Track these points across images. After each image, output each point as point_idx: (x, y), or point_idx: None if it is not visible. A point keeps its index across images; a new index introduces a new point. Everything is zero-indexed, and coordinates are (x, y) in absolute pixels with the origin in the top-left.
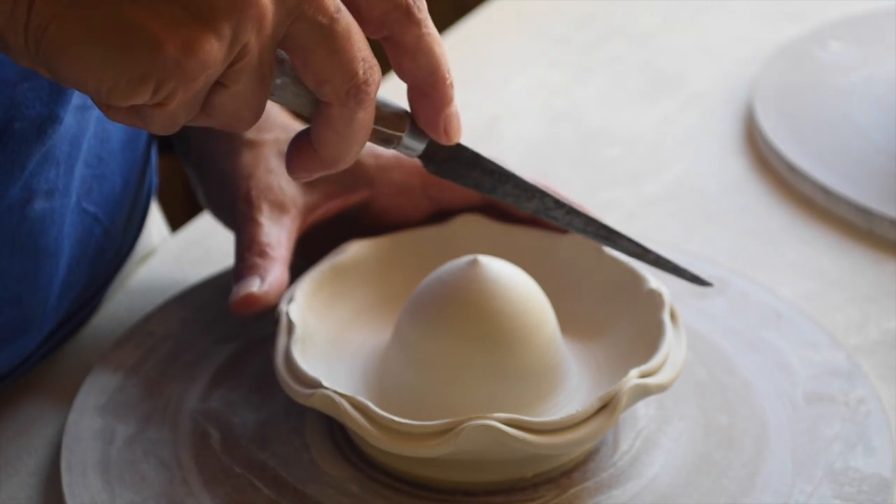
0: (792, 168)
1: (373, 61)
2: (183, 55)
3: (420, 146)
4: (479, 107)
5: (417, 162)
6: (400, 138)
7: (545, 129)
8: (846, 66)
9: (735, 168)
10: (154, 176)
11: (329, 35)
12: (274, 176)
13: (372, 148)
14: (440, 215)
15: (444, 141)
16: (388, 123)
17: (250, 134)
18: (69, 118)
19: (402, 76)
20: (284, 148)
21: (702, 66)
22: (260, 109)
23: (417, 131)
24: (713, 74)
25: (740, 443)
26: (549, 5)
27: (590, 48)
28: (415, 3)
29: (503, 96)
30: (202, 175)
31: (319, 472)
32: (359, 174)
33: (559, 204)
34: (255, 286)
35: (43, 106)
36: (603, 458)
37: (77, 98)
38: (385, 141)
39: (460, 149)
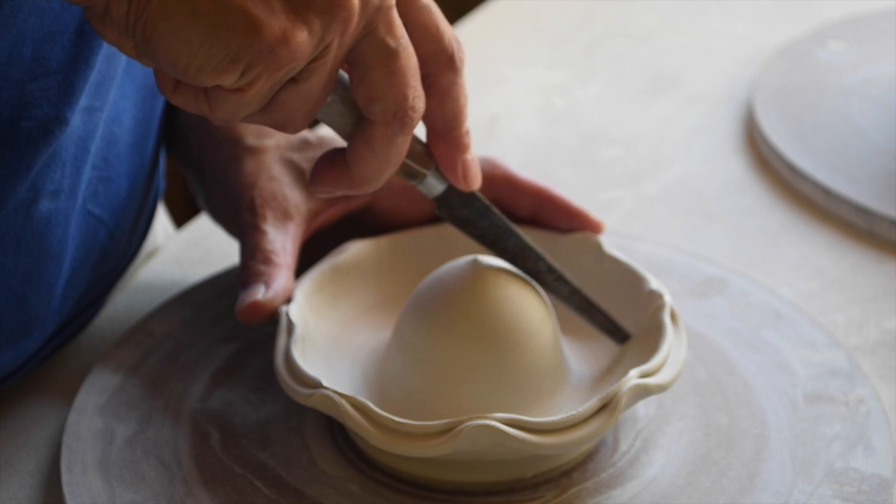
0: (792, 168)
1: (421, 91)
2: (277, 43)
3: (440, 188)
4: (479, 107)
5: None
6: (425, 175)
7: (545, 129)
8: (846, 66)
9: (735, 168)
10: (161, 179)
11: (392, 57)
12: (277, 183)
13: None
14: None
15: (461, 185)
16: (417, 159)
17: (252, 140)
18: (76, 119)
19: (424, 117)
20: (286, 153)
21: (702, 66)
22: (313, 114)
23: (440, 174)
24: (713, 74)
25: (740, 443)
26: (549, 5)
27: (590, 48)
28: (458, 52)
29: (503, 96)
30: (203, 182)
31: (319, 472)
32: None
33: (551, 269)
34: (260, 294)
35: (50, 106)
36: (603, 459)
37: (84, 100)
38: (410, 176)
39: (474, 198)
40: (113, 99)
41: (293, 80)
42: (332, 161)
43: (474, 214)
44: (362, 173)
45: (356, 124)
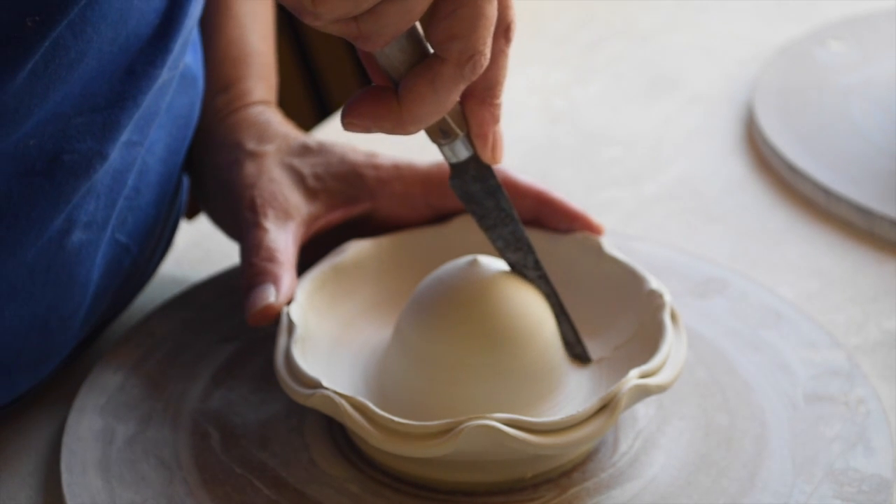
0: (792, 168)
1: (490, 52)
2: None
3: (464, 154)
4: None
5: (417, 171)
6: (457, 137)
7: (545, 129)
8: (846, 66)
9: (735, 168)
10: (184, 195)
11: (486, 1)
12: (277, 185)
13: (371, 160)
14: (443, 212)
15: (487, 156)
16: (456, 118)
17: (252, 145)
18: (115, 153)
19: None
20: (286, 158)
21: (702, 66)
22: (398, 33)
23: (469, 140)
24: (713, 74)
25: (740, 443)
26: (549, 5)
27: (590, 48)
28: (514, 24)
29: (503, 96)
30: (203, 186)
31: (319, 472)
32: (360, 186)
33: (537, 266)
34: (271, 296)
35: (94, 141)
36: (603, 459)
37: (126, 134)
38: (444, 133)
39: (490, 175)
40: (151, 131)
41: None
42: (377, 96)
43: (484, 191)
44: (416, 111)
45: (412, 64)
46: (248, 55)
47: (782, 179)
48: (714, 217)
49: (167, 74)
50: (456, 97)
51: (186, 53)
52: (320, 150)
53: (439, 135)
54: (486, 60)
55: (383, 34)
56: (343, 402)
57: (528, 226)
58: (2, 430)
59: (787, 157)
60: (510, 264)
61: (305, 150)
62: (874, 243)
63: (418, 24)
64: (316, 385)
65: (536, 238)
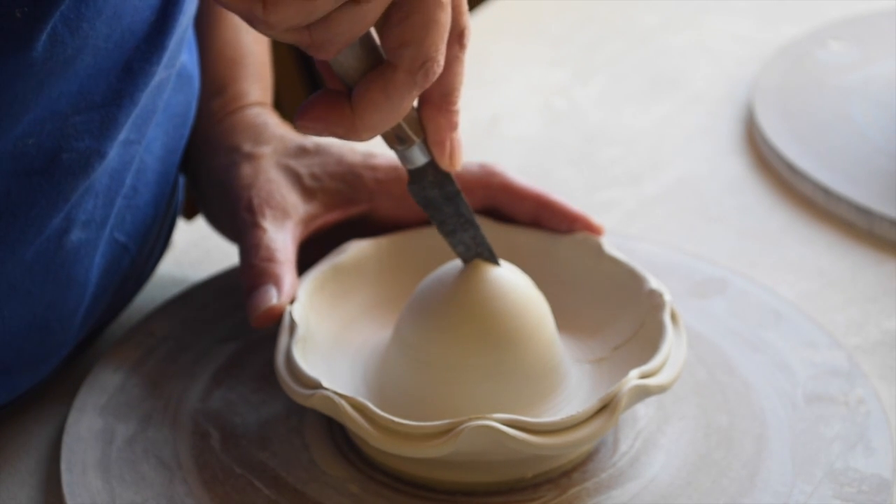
0: (792, 168)
1: (444, 54)
2: None
3: (422, 160)
4: (479, 107)
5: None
6: (413, 143)
7: (545, 129)
8: (846, 66)
9: (735, 168)
10: (181, 193)
11: (439, 7)
12: (274, 185)
13: (368, 161)
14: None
15: (445, 163)
16: (412, 124)
17: (249, 147)
18: (113, 152)
19: None
20: (282, 160)
21: (702, 66)
22: (350, 42)
23: (426, 146)
24: (713, 74)
25: (740, 443)
26: (549, 5)
27: (590, 48)
28: (468, 30)
29: (503, 96)
30: (200, 188)
31: (319, 472)
32: (358, 188)
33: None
34: (273, 298)
35: (92, 139)
36: (603, 459)
37: (124, 133)
38: (400, 140)
39: (448, 181)
40: (148, 130)
41: (353, 2)
42: (331, 101)
43: (443, 197)
44: (368, 119)
45: (367, 71)
46: (242, 56)
47: (782, 179)
48: (714, 217)
49: (164, 72)
50: (409, 104)
51: (183, 52)
52: (317, 151)
53: (395, 141)
54: (438, 67)
55: (336, 42)
56: (343, 402)
57: (528, 224)
58: (2, 429)
59: (786, 156)
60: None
61: (302, 152)
62: (874, 243)
63: (374, 31)
64: (316, 385)
65: (536, 238)
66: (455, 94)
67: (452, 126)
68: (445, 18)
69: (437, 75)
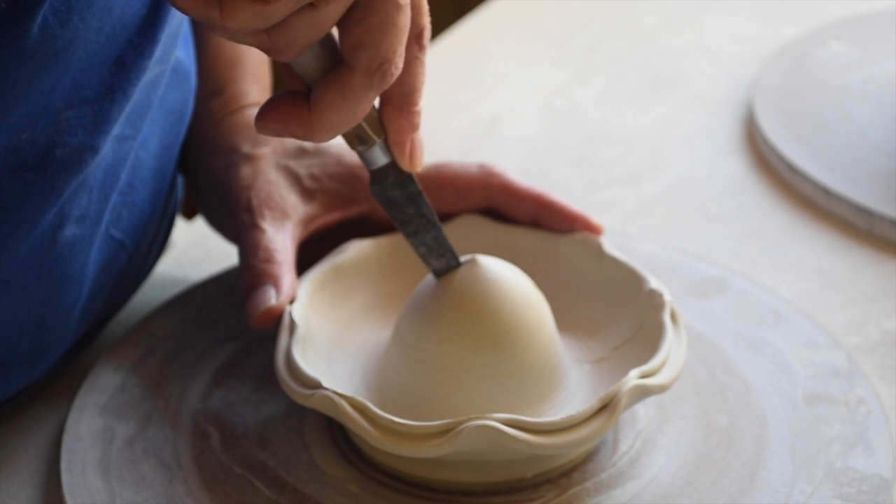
0: (792, 168)
1: (403, 56)
2: None
3: (383, 161)
4: (479, 107)
5: (414, 173)
6: (374, 143)
7: (545, 129)
8: (846, 66)
9: (735, 168)
10: (180, 192)
11: (397, 9)
12: (274, 186)
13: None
14: (440, 216)
15: (405, 164)
16: (372, 125)
17: (248, 148)
18: (107, 147)
19: None
20: (282, 160)
21: (702, 66)
22: (309, 45)
23: (387, 147)
24: (713, 74)
25: (740, 443)
26: (549, 5)
27: (590, 48)
28: (428, 31)
29: (503, 96)
30: (199, 189)
31: (319, 472)
32: (357, 188)
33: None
34: (272, 299)
35: (85, 134)
36: (603, 459)
37: (117, 128)
38: (361, 140)
39: (410, 181)
40: (143, 126)
41: (311, 6)
42: (291, 102)
43: (405, 198)
44: (325, 120)
45: (326, 71)
46: (241, 56)
47: (782, 179)
48: (714, 217)
49: (157, 67)
50: (367, 106)
51: (178, 47)
52: (316, 152)
53: (356, 141)
54: (396, 69)
55: (295, 45)
56: (343, 402)
57: (528, 224)
58: (2, 429)
59: (786, 156)
60: (433, 271)
61: (301, 153)
62: (874, 243)
63: (335, 32)
64: (316, 385)
65: (536, 238)
66: (416, 94)
67: (413, 127)
68: (403, 20)
69: (394, 77)
